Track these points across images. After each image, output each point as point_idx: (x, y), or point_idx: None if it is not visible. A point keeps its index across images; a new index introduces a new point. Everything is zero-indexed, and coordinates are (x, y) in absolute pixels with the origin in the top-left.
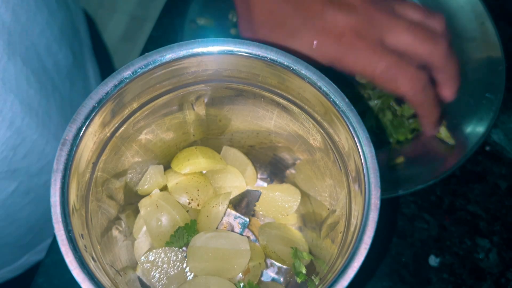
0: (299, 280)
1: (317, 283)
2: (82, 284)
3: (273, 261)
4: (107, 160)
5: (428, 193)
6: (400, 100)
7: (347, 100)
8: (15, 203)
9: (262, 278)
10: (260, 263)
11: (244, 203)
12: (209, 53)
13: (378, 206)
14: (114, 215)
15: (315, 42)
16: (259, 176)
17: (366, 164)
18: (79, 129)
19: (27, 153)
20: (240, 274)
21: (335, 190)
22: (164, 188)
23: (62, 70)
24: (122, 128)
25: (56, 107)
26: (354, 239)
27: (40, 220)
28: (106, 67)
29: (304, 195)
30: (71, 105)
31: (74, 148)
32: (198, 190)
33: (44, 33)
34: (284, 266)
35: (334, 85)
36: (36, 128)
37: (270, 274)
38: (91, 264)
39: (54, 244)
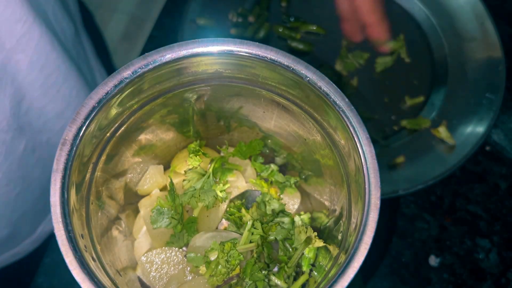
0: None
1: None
2: (82, 284)
3: None
4: (107, 160)
5: (428, 193)
6: None
7: (347, 100)
8: (27, 163)
9: None
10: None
11: (244, 203)
12: (209, 53)
13: (378, 206)
14: (114, 215)
15: None
16: None
17: (366, 164)
18: (79, 129)
19: (28, 110)
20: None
21: (335, 190)
22: (164, 188)
23: (68, 39)
24: (122, 128)
25: (71, 70)
26: (354, 239)
27: (49, 183)
28: (106, 67)
29: (304, 195)
30: (81, 72)
31: (74, 148)
32: None
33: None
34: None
35: (334, 85)
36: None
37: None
38: (91, 264)
39: (54, 244)
